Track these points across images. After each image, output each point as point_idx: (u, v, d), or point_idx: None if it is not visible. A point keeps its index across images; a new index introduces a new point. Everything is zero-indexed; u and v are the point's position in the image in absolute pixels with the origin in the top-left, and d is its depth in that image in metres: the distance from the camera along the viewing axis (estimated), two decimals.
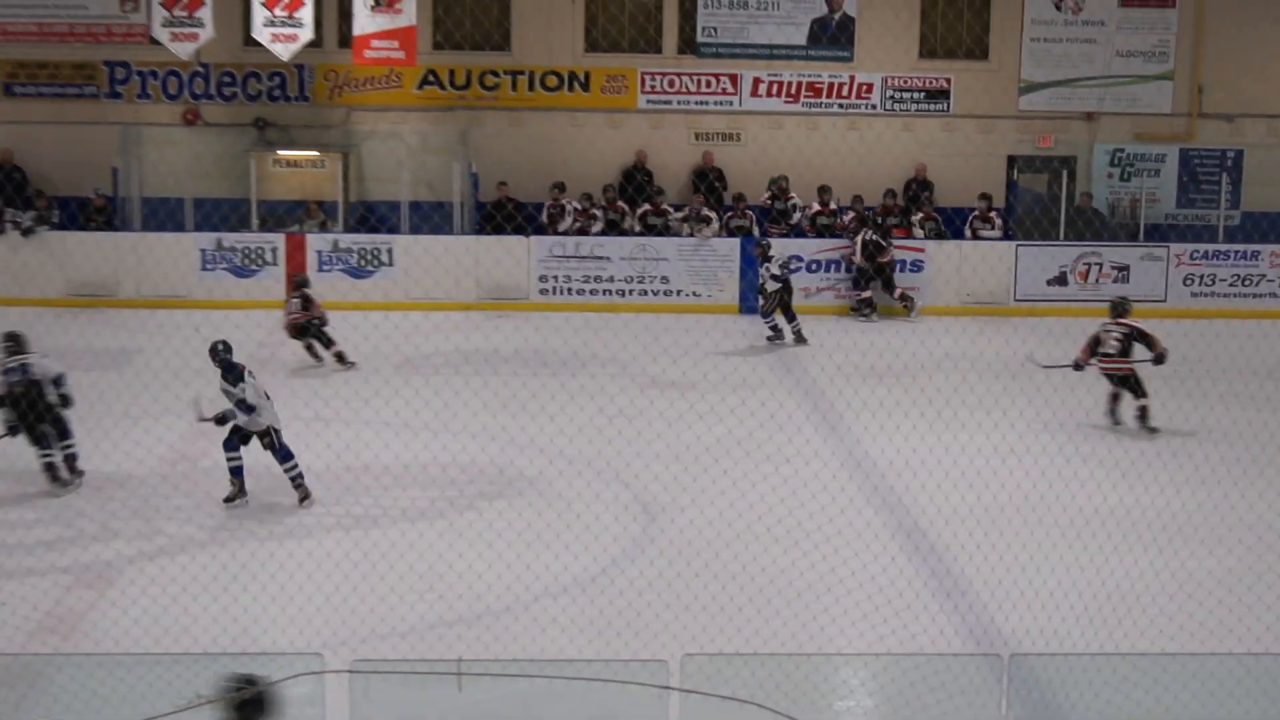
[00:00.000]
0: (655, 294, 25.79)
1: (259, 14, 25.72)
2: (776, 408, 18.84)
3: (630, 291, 25.89)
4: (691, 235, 26.07)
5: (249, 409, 15.22)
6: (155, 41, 26.33)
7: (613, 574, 13.43)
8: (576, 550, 13.60)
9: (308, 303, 21.95)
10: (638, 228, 26.59)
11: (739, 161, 27.91)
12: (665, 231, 26.47)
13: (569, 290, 25.75)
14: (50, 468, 15.79)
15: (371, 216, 27.23)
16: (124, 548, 14.11)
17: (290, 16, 25.77)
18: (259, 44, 26.10)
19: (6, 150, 27.29)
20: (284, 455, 15.23)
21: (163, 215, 26.50)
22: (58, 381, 15.99)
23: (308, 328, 21.96)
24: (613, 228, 26.57)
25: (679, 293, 25.75)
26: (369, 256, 25.87)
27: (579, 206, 26.62)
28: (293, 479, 15.19)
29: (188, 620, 12.08)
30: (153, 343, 22.13)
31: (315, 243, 25.88)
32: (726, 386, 20.02)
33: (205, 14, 25.82)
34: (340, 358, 21.73)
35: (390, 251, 25.86)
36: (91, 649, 11.62)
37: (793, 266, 24.43)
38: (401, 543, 13.94)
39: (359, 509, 15.16)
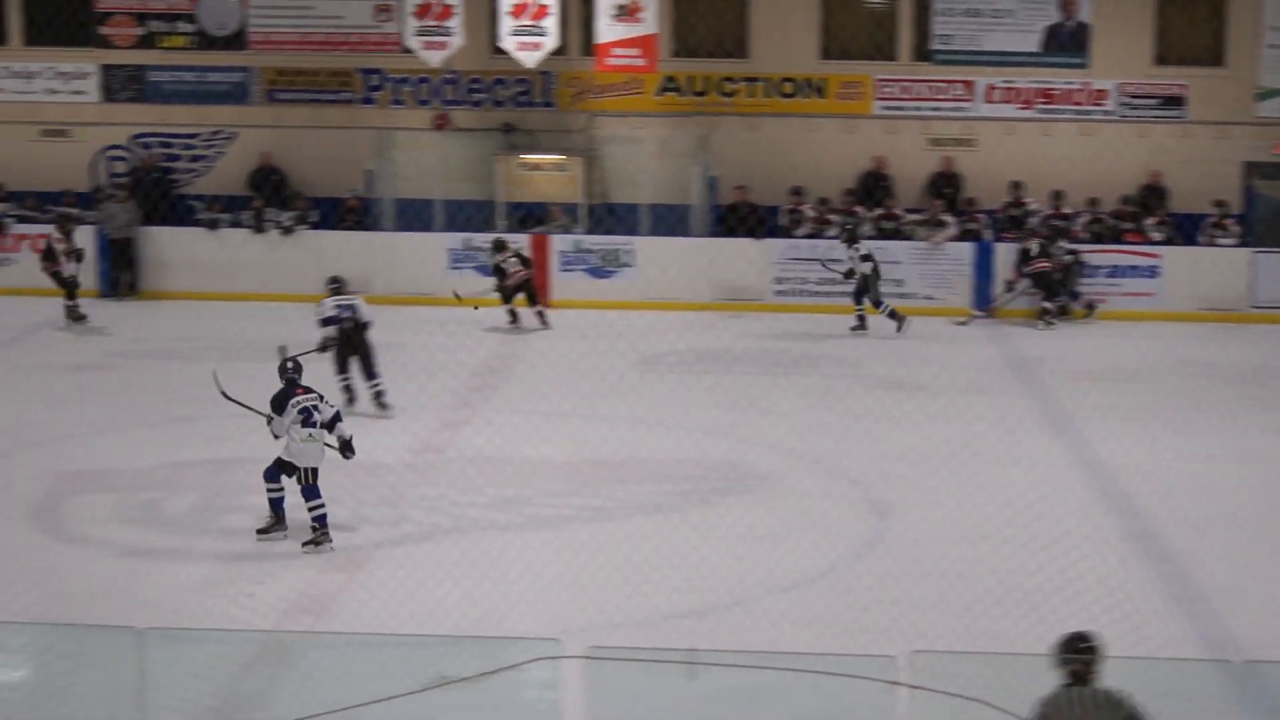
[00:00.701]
0: (890, 297, 25.56)
1: (506, 23, 26.01)
2: (1006, 410, 18.60)
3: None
4: (925, 239, 25.83)
5: (275, 433, 14.34)
6: (407, 50, 26.76)
7: (842, 570, 13.38)
8: (806, 546, 13.59)
9: (525, 261, 23.68)
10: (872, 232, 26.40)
11: (972, 167, 27.56)
12: (897, 235, 26.25)
13: (803, 292, 25.66)
14: (348, 389, 18.54)
15: (611, 218, 27.38)
16: (373, 533, 14.40)
17: (536, 25, 26.02)
18: (505, 52, 26.40)
19: (267, 153, 27.94)
20: (310, 493, 14.07)
21: (412, 216, 26.97)
22: (367, 326, 18.60)
23: (525, 285, 23.45)
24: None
25: (912, 295, 25.51)
26: (610, 257, 26.03)
27: (815, 213, 26.52)
28: (314, 519, 14.02)
29: (432, 604, 12.28)
30: (400, 338, 22.49)
31: (558, 243, 26.10)
32: (955, 388, 19.81)
33: (455, 23, 26.19)
34: (542, 315, 23.45)
35: (631, 252, 26.00)
36: (341, 629, 11.87)
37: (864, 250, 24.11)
38: (636, 535, 14.03)
39: (596, 501, 15.28)
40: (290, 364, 14.71)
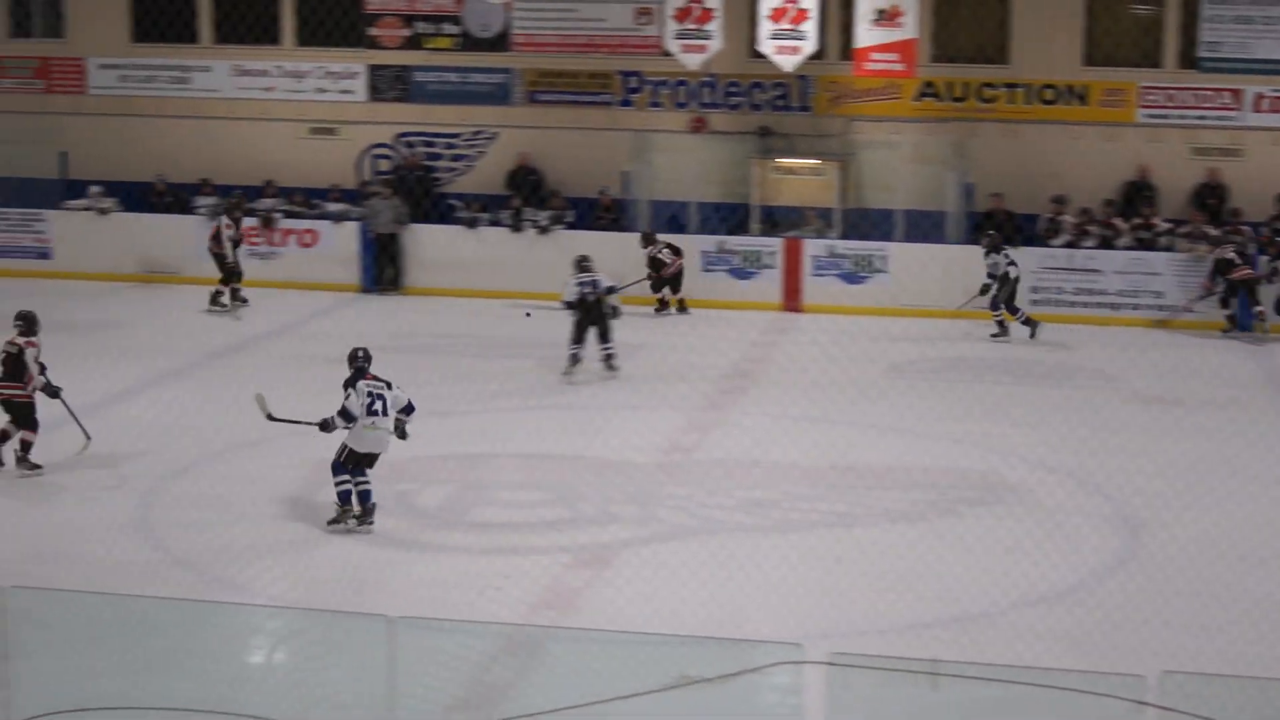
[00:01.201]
0: (1147, 308, 25.05)
1: (765, 27, 25.97)
2: (1267, 427, 18.07)
3: (1122, 305, 25.22)
4: (1187, 251, 25.22)
5: (348, 418, 14.47)
6: (667, 53, 26.87)
7: (1091, 586, 13.12)
8: (1055, 560, 13.34)
9: (676, 251, 24.76)
10: (1131, 242, 25.86)
11: (1238, 178, 26.84)
12: (1155, 246, 25.68)
13: (1059, 302, 25.24)
14: (574, 357, 20.31)
15: (865, 223, 27.19)
16: (620, 531, 14.49)
17: (795, 29, 25.95)
18: (764, 56, 26.38)
19: (526, 153, 28.29)
20: (338, 470, 14.44)
21: (666, 217, 27.10)
22: (610, 291, 20.49)
23: (678, 276, 24.71)
24: (1106, 243, 25.89)
25: (1171, 308, 24.93)
26: (863, 262, 25.86)
27: (1075, 222, 26.07)
28: (338, 494, 14.39)
29: (676, 603, 12.32)
30: (652, 339, 22.64)
31: (811, 247, 26.01)
32: (1214, 404, 19.29)
33: (714, 27, 26.24)
34: (682, 304, 24.99)
35: (884, 258, 25.81)
36: (586, 625, 11.94)
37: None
38: (882, 542, 13.92)
39: (842, 507, 15.20)
40: (361, 353, 15.12)
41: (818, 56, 26.58)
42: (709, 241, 26.22)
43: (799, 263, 25.72)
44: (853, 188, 27.81)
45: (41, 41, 30.06)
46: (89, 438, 16.17)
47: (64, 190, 29.04)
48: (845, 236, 26.60)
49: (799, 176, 27.92)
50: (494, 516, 14.86)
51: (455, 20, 28.72)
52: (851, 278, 25.67)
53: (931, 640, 11.64)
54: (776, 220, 27.27)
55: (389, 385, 14.80)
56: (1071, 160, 27.05)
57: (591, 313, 20.38)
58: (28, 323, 16.23)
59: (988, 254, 23.77)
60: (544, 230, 26.65)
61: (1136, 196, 26.45)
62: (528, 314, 22.70)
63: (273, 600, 12.39)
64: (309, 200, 28.22)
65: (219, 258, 24.91)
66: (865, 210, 27.46)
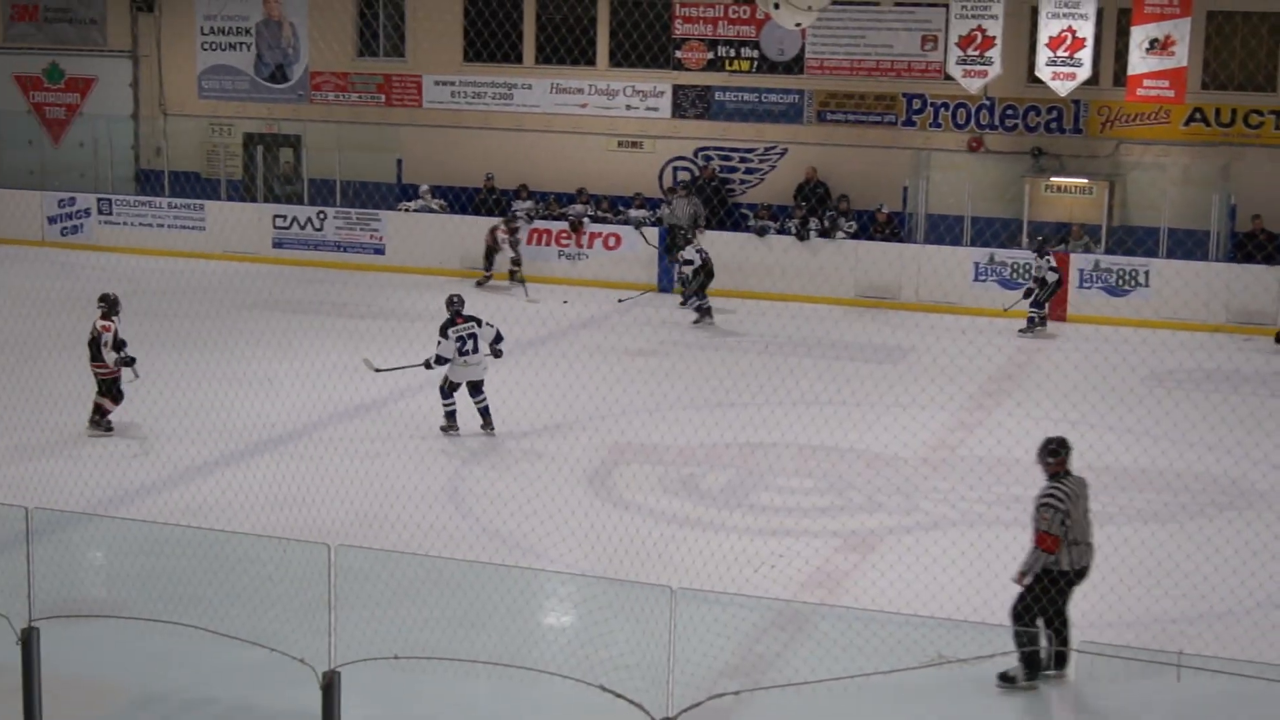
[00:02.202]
0: None
1: (1043, 54, 25.67)
2: None
3: None
4: None
5: (441, 361, 16.73)
6: (949, 77, 26.64)
7: None
8: None
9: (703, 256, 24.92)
10: None
11: None
12: None
13: None
14: (700, 309, 23.63)
15: (1130, 240, 26.58)
16: (886, 519, 14.42)
17: (1071, 57, 25.56)
18: (1040, 81, 26.00)
19: (812, 168, 28.27)
20: (476, 391, 16.89)
21: (942, 230, 26.86)
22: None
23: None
24: None
25: None
26: (1127, 277, 25.30)
27: None
28: (446, 413, 16.85)
29: (935, 588, 12.21)
30: (924, 341, 22.45)
31: (1078, 262, 25.52)
32: None
33: (995, 54, 25.96)
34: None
35: (1147, 273, 25.20)
36: (851, 603, 11.92)
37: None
38: (1135, 539, 13.58)
39: (1096, 505, 14.75)
40: (456, 299, 17.08)
41: (1091, 82, 26.17)
42: (980, 253, 25.90)
43: (1066, 275, 25.24)
44: (1119, 206, 27.26)
45: (385, 60, 31.00)
46: (136, 375, 16.70)
47: (399, 194, 29.93)
48: (1111, 251, 26.04)
49: (1068, 194, 27.45)
50: (770, 501, 14.89)
51: (754, 45, 28.83)
52: (1115, 291, 25.12)
53: (1177, 634, 11.36)
54: (1046, 235, 26.80)
55: (479, 323, 16.93)
56: None
57: (707, 268, 23.56)
58: (109, 305, 16.77)
59: (1038, 257, 24.17)
60: (826, 234, 26.63)
61: None
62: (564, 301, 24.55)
63: (567, 568, 12.59)
64: (615, 207, 28.63)
65: (490, 255, 26.86)
66: (1131, 228, 26.87)
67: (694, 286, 24.38)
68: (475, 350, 16.75)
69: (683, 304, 25.03)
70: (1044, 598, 10.38)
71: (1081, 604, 12.15)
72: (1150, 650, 10.32)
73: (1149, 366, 21.16)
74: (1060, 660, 10.34)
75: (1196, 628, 11.66)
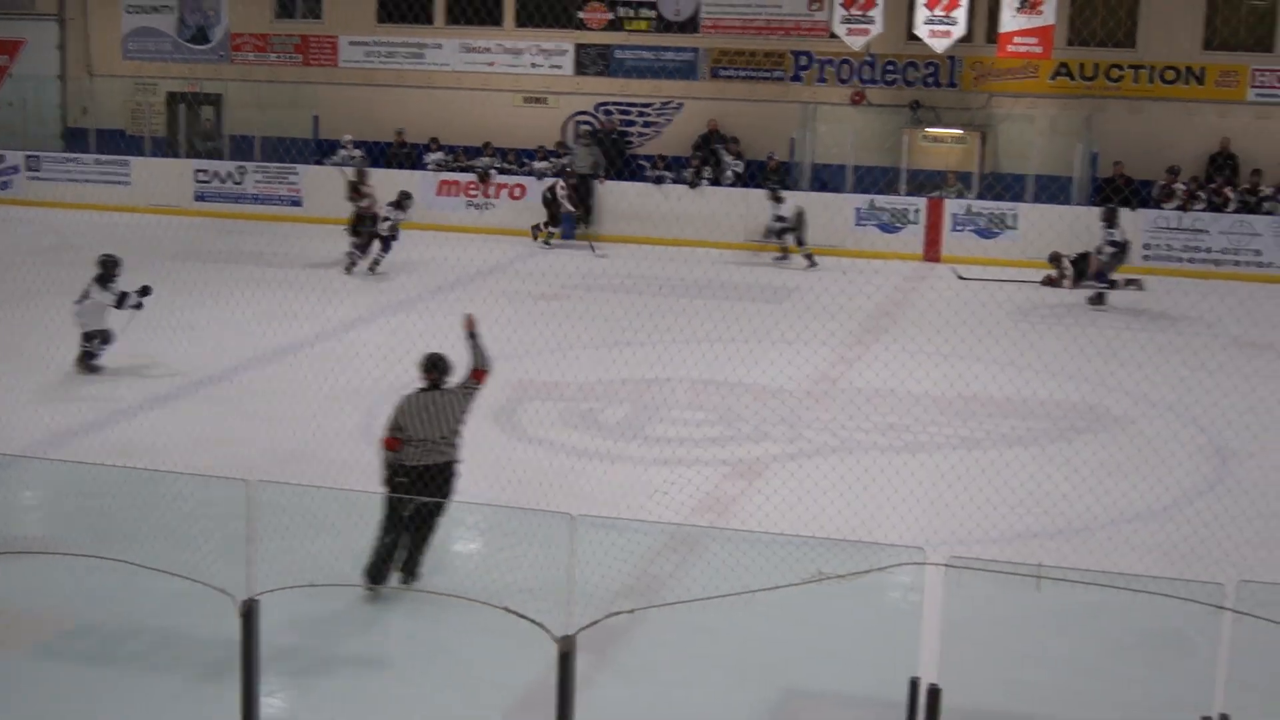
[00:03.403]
0: (1247, 264, 24.46)
1: (921, 13, 25.85)
2: None
3: (1224, 261, 24.65)
4: None
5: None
6: (834, 35, 26.72)
7: (1182, 505, 12.89)
8: (1151, 482, 13.13)
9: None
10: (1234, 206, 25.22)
11: None
12: (1259, 210, 25.02)
13: (1168, 257, 24.72)
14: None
15: (1000, 186, 26.86)
16: (772, 448, 14.50)
17: (947, 15, 25.72)
18: (918, 38, 26.14)
19: (713, 120, 28.31)
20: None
21: (826, 178, 26.99)
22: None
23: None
24: (1213, 207, 25.28)
25: (1269, 264, 24.33)
26: (996, 220, 25.57)
27: (1185, 186, 25.49)
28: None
29: (816, 510, 12.31)
30: (808, 282, 22.58)
31: (951, 206, 25.76)
32: None
33: (876, 12, 26.10)
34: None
35: (1015, 216, 25.48)
36: (739, 526, 12.01)
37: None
38: (999, 462, 13.78)
39: (965, 431, 15.09)
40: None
41: (965, 39, 26.38)
42: (861, 200, 26.06)
43: (940, 220, 25.47)
44: (990, 155, 27.52)
45: (302, 22, 30.67)
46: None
47: (315, 148, 29.65)
48: (982, 197, 26.31)
49: (944, 144, 27.67)
50: (664, 432, 14.95)
51: (652, 5, 28.81)
52: (986, 233, 25.38)
53: (1038, 549, 11.53)
54: (921, 182, 27.04)
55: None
56: (1186, 134, 26.50)
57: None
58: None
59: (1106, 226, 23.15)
60: (716, 183, 26.74)
61: (1222, 165, 25.91)
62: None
63: (474, 498, 12.60)
64: (520, 159, 28.51)
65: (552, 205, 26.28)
66: (1001, 174, 27.14)
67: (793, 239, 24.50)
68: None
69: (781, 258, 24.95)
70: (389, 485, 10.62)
71: (950, 522, 12.37)
72: (1014, 563, 10.49)
73: (1015, 303, 21.44)
74: (410, 567, 10.52)
75: (1056, 542, 11.85)
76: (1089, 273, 22.02)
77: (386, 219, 22.75)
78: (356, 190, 23.48)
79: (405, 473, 10.59)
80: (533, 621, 6.81)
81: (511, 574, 10.08)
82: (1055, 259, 22.51)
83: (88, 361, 16.50)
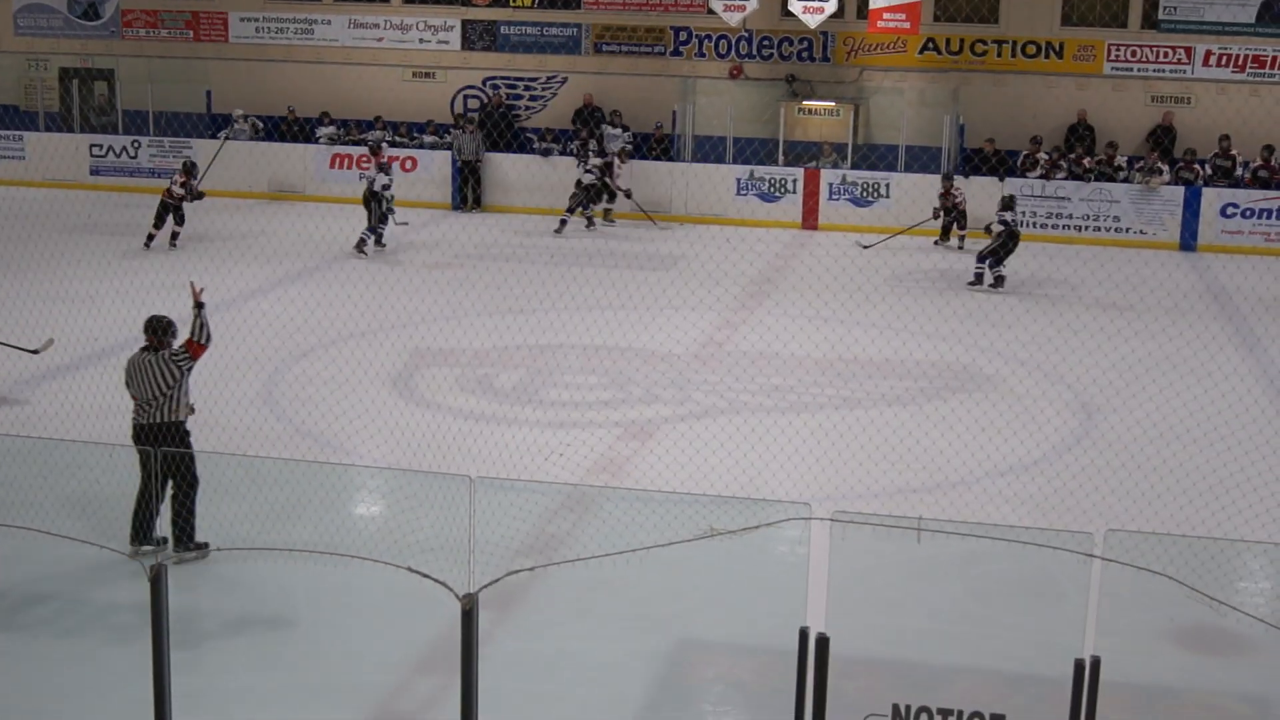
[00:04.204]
0: (1107, 230, 24.87)
1: None
2: (1203, 330, 17.93)
3: (1085, 227, 25.04)
4: (1142, 183, 24.99)
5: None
6: (711, 11, 26.67)
7: (1051, 459, 13.11)
8: (1023, 437, 13.33)
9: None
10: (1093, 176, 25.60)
11: (1187, 122, 26.54)
12: (1115, 178, 25.43)
13: (1034, 224, 25.04)
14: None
15: (873, 156, 27.05)
16: (662, 409, 14.52)
17: None
18: (793, 14, 26.19)
19: (589, 94, 28.19)
20: None
21: (707, 149, 27.01)
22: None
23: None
24: (1074, 175, 25.64)
25: (1127, 230, 24.75)
26: (870, 189, 25.72)
27: (1047, 158, 25.84)
28: None
29: (706, 469, 12.37)
30: (693, 250, 22.59)
31: (827, 176, 25.87)
32: (1161, 310, 19.16)
33: None
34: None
35: (888, 186, 25.67)
36: (632, 485, 12.02)
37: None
38: (879, 421, 13.92)
39: (847, 391, 15.20)
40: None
41: (838, 15, 26.48)
42: (741, 170, 26.12)
43: (817, 189, 25.60)
44: (863, 126, 27.70)
45: None
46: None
47: (209, 123, 29.15)
48: (856, 167, 26.46)
49: (819, 116, 27.78)
50: (558, 396, 14.92)
51: None
52: (860, 201, 25.54)
53: (917, 502, 11.66)
54: (799, 153, 27.16)
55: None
56: (1047, 105, 26.86)
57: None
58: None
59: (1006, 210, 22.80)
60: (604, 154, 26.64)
61: (1082, 136, 26.32)
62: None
63: (375, 462, 12.50)
64: (410, 132, 28.24)
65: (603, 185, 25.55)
66: (874, 145, 27.33)
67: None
68: None
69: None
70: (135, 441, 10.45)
71: (834, 478, 12.46)
72: (895, 517, 10.59)
73: (890, 268, 21.62)
74: (177, 536, 10.32)
75: (934, 496, 11.98)
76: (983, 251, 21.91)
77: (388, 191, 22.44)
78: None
79: (136, 431, 10.39)
80: (436, 581, 6.76)
81: (414, 535, 10.01)
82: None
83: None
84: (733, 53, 28.17)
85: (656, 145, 27.10)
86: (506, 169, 26.80)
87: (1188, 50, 26.63)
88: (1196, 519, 11.40)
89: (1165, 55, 26.82)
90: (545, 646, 9.31)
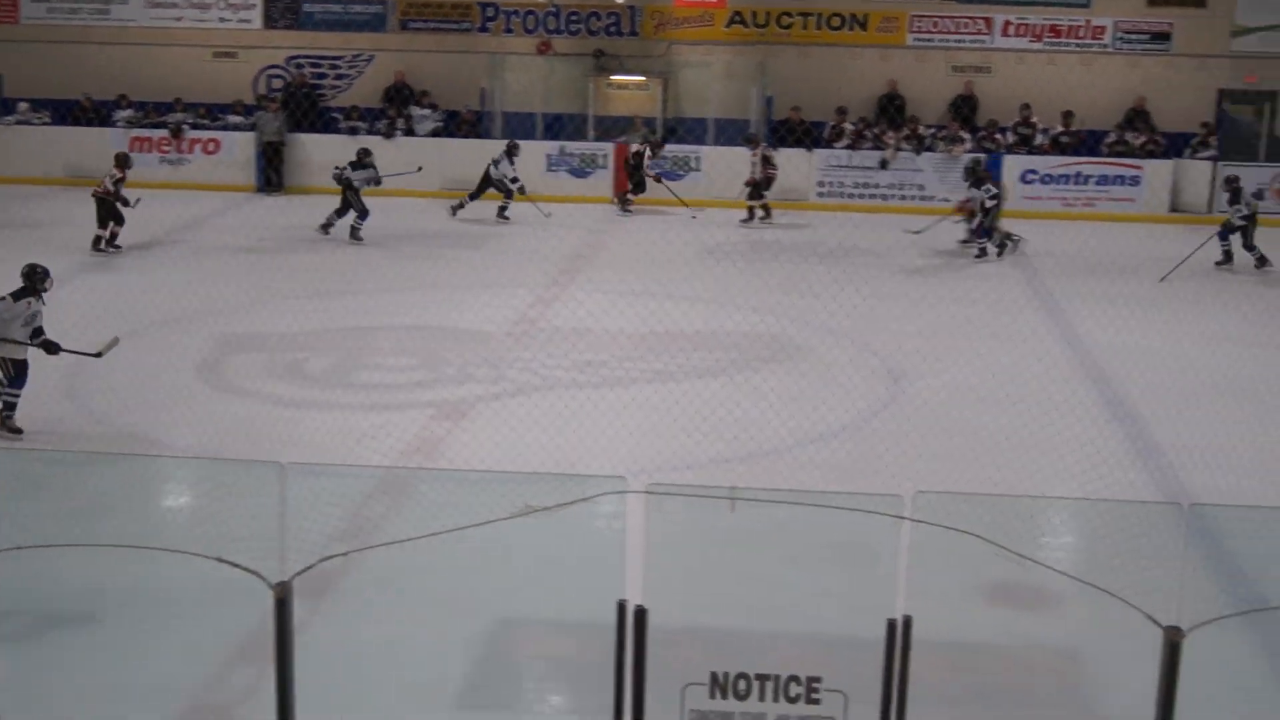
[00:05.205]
0: (913, 199, 25.39)
1: None
2: (1005, 294, 18.45)
3: (891, 196, 25.55)
4: (945, 152, 25.56)
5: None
6: None
7: (860, 425, 13.36)
8: (832, 405, 13.55)
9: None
10: (902, 146, 26.07)
11: (988, 91, 27.19)
12: (920, 149, 25.98)
13: (840, 194, 25.48)
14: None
15: (683, 130, 27.24)
16: (476, 388, 14.48)
17: None
18: None
19: (400, 72, 27.92)
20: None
21: (517, 125, 26.92)
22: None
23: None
24: (879, 145, 26.11)
25: (933, 198, 25.28)
26: (681, 162, 25.91)
27: (852, 128, 26.27)
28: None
29: (522, 447, 12.37)
30: (504, 228, 22.55)
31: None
32: (965, 275, 19.66)
33: None
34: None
35: (698, 159, 25.88)
36: (447, 466, 11.98)
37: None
38: (692, 393, 14.03)
39: (660, 365, 15.31)
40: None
41: None
42: (552, 146, 26.12)
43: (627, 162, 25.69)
44: (672, 100, 27.86)
45: None
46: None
47: (1, 108, 28.25)
48: (666, 140, 26.58)
49: (628, 91, 27.88)
50: (371, 379, 14.80)
51: None
52: (672, 175, 25.68)
53: (730, 472, 11.80)
54: (608, 128, 27.23)
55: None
56: (852, 76, 27.29)
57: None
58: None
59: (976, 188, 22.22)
60: (411, 133, 26.42)
61: (889, 107, 26.81)
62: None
63: (181, 452, 12.27)
64: (213, 114, 27.67)
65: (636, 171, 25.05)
66: (683, 118, 27.52)
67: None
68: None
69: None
70: None
71: (649, 451, 12.56)
72: (709, 487, 10.71)
73: (702, 241, 21.78)
74: None
75: (747, 465, 12.12)
76: (974, 226, 21.90)
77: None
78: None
79: None
80: (247, 570, 6.68)
81: (224, 525, 9.82)
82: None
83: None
84: (540, 28, 28.11)
85: (464, 125, 26.94)
86: (311, 149, 26.42)
87: (987, 21, 27.28)
88: (1001, 478, 11.71)
89: (965, 26, 27.43)
90: (363, 632, 9.25)
